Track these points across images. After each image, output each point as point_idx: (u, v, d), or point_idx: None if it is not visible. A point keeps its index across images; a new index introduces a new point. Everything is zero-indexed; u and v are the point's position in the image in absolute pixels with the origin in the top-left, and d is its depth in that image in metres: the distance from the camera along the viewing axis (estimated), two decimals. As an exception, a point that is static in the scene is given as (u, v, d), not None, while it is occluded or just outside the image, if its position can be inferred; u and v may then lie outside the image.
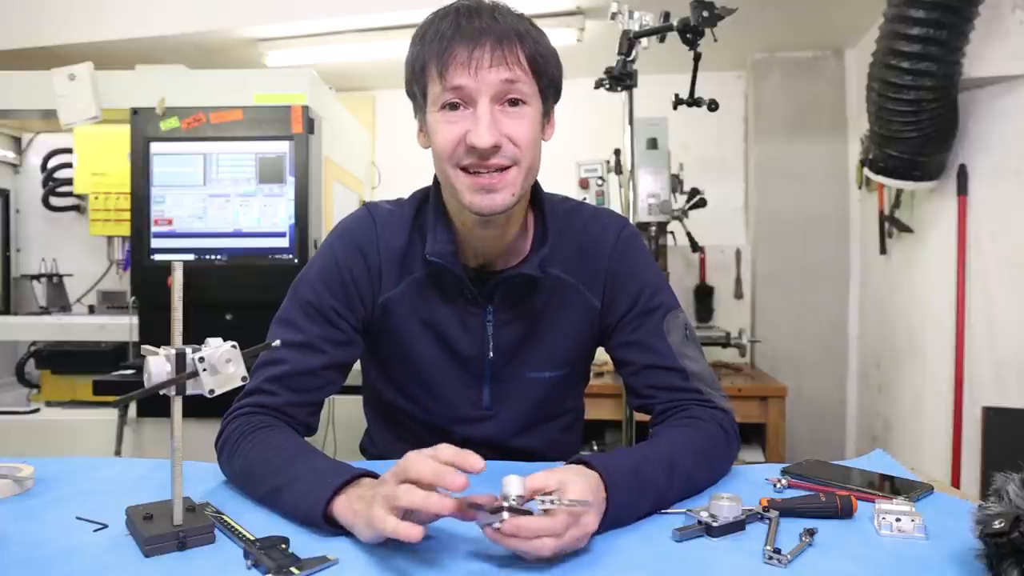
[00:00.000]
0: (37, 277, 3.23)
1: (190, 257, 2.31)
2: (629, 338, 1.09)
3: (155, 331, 2.28)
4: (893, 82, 2.13)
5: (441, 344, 1.10)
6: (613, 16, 1.93)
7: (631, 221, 1.52)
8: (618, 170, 2.62)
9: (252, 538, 0.75)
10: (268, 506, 0.86)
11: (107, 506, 0.84)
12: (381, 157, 3.44)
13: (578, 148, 2.72)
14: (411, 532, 0.66)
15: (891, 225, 2.76)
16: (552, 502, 0.69)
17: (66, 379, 2.65)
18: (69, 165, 3.14)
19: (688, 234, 2.78)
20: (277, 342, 0.89)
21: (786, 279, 3.22)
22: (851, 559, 0.72)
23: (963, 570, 0.69)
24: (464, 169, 0.96)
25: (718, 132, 3.33)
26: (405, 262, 1.08)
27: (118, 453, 2.32)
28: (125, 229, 2.57)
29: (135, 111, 2.35)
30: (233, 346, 0.77)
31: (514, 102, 0.95)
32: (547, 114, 1.03)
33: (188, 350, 0.75)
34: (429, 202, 1.09)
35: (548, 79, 1.00)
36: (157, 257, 2.33)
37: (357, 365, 1.14)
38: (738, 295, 3.27)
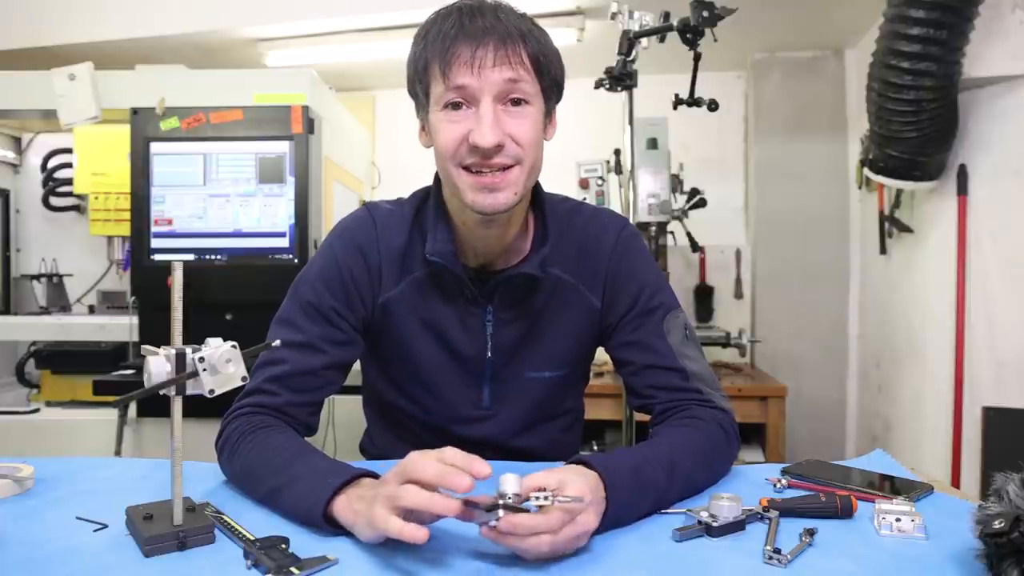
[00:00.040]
0: (37, 277, 3.23)
1: (190, 257, 2.31)
2: (629, 338, 1.09)
3: (155, 331, 2.28)
4: (893, 82, 2.13)
5: (441, 344, 1.10)
6: (613, 16, 1.93)
7: (631, 221, 1.52)
8: (618, 170, 2.62)
9: (252, 538, 0.75)
10: (268, 506, 0.86)
11: (107, 506, 0.84)
12: (381, 157, 3.44)
13: (578, 148, 2.72)
14: (416, 534, 0.66)
15: (891, 225, 2.77)
16: (546, 499, 0.69)
17: (66, 379, 2.65)
18: (69, 165, 3.14)
19: (688, 234, 2.78)
20: (277, 342, 0.89)
21: (786, 279, 3.22)
22: (851, 559, 0.72)
23: (963, 570, 0.69)
24: (467, 168, 0.96)
25: (718, 132, 3.33)
26: (405, 262, 1.08)
27: (118, 453, 2.32)
28: (125, 229, 2.57)
29: (135, 111, 2.35)
30: (233, 346, 0.77)
31: (517, 101, 0.96)
32: (549, 114, 1.03)
33: (188, 350, 0.75)
34: (429, 202, 1.09)
35: (551, 79, 1.00)
36: (157, 257, 2.33)
37: (357, 365, 1.14)
38: (738, 295, 3.27)
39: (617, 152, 2.64)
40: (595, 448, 2.63)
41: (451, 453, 0.71)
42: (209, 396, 0.76)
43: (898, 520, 0.78)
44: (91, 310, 3.06)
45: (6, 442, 2.42)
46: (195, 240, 2.33)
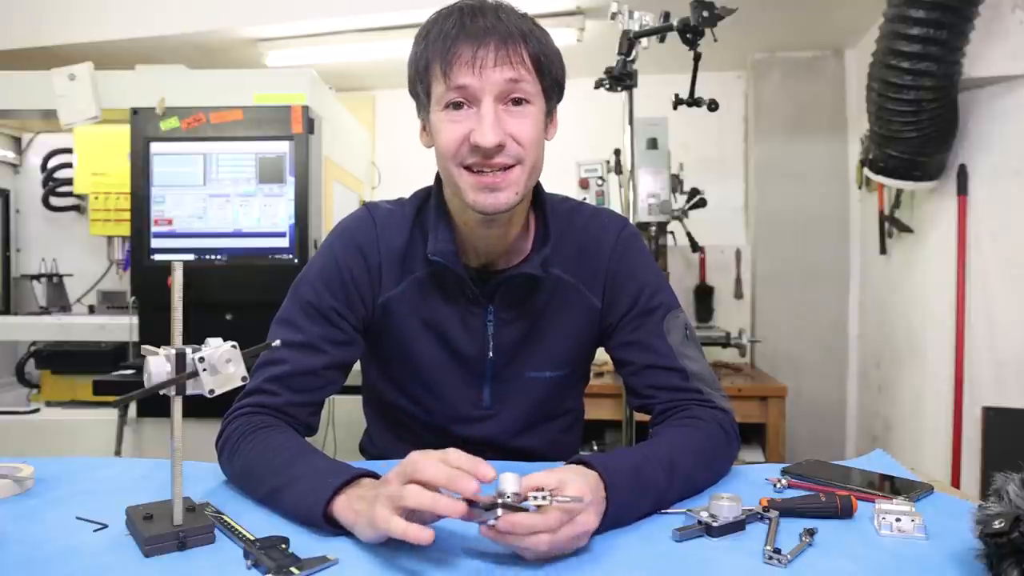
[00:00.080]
0: (37, 277, 3.23)
1: (190, 257, 2.31)
2: (629, 338, 1.09)
3: (155, 331, 2.28)
4: (893, 82, 2.13)
5: (442, 344, 1.10)
6: (613, 16, 1.93)
7: (631, 221, 1.52)
8: (618, 170, 2.62)
9: (252, 538, 0.75)
10: (268, 506, 0.86)
11: (107, 506, 0.84)
12: (381, 157, 3.44)
13: (578, 148, 2.72)
14: (421, 535, 0.65)
15: (891, 225, 2.77)
16: (544, 499, 0.69)
17: (66, 379, 2.65)
18: (69, 165, 3.14)
19: (688, 234, 2.78)
20: (277, 342, 0.89)
21: (786, 279, 3.22)
22: (851, 559, 0.72)
23: (963, 570, 0.69)
24: (468, 168, 0.96)
25: (718, 132, 3.33)
26: (406, 262, 1.08)
27: (118, 453, 2.32)
28: (125, 229, 2.57)
29: (135, 111, 2.35)
30: (233, 346, 0.77)
31: (518, 101, 0.96)
32: (550, 113, 1.03)
33: (188, 350, 0.75)
34: (430, 202, 1.09)
35: (551, 78, 1.00)
36: (157, 257, 2.33)
37: (357, 365, 1.14)
38: (738, 295, 3.27)
39: (617, 152, 2.64)
40: (595, 448, 2.63)
41: (455, 455, 0.71)
42: (209, 396, 0.76)
43: (898, 520, 0.78)
44: (91, 310, 3.06)
45: (6, 442, 2.42)
46: (195, 240, 2.33)
